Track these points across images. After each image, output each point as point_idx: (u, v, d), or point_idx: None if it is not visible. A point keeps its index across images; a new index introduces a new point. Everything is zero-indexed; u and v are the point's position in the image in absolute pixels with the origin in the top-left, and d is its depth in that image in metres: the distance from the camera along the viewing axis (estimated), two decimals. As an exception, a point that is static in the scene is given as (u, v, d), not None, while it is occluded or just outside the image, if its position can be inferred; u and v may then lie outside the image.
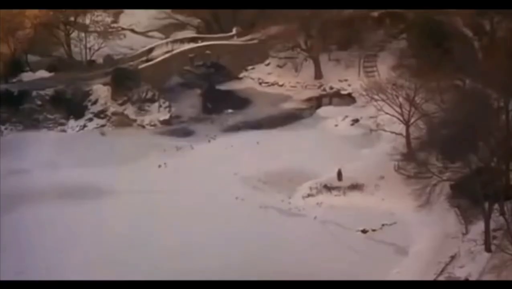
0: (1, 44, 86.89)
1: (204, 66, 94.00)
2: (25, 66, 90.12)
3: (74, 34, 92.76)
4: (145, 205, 65.75)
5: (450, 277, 52.77)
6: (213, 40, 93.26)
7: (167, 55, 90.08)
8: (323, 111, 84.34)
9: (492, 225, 54.66)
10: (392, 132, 69.45)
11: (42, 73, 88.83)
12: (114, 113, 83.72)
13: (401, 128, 68.63)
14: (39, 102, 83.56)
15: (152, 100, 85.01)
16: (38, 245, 59.96)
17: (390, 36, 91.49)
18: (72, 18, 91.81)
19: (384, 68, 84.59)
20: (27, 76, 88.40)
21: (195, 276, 52.87)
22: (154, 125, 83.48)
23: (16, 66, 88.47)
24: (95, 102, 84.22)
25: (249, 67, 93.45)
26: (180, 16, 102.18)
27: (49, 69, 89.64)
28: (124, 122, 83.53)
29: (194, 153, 76.04)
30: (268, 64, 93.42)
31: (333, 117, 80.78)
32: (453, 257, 54.97)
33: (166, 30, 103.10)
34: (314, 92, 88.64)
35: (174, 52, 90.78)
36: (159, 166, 72.84)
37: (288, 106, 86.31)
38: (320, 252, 58.33)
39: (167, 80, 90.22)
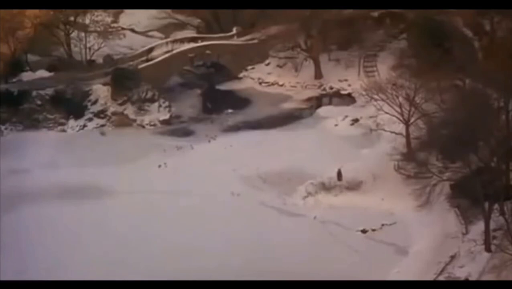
0: (1, 44, 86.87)
1: (204, 66, 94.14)
2: (25, 66, 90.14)
3: (74, 34, 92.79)
4: (145, 205, 65.76)
5: (450, 277, 52.74)
6: (213, 40, 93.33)
7: (167, 55, 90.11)
8: (323, 111, 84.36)
9: (492, 225, 54.64)
10: (392, 132, 69.42)
11: (42, 73, 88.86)
12: (114, 113, 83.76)
13: (401, 128, 68.62)
14: (39, 102, 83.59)
15: (152, 100, 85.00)
16: (38, 245, 59.95)
17: (390, 36, 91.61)
18: (72, 18, 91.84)
19: (384, 68, 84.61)
20: (27, 76, 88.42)
21: (195, 276, 52.84)
22: (154, 125, 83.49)
23: (16, 66, 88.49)
24: (95, 102, 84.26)
25: (249, 67, 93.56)
26: (180, 16, 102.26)
27: (49, 69, 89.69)
28: (124, 122, 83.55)
29: (194, 153, 76.06)
30: (268, 64, 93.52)
31: (333, 117, 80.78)
32: (453, 257, 54.93)
33: (166, 30, 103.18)
34: (314, 92, 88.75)
35: (174, 52, 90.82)
36: (159, 166, 72.85)
37: (288, 106, 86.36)
38: (320, 252, 58.31)
39: (167, 80, 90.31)
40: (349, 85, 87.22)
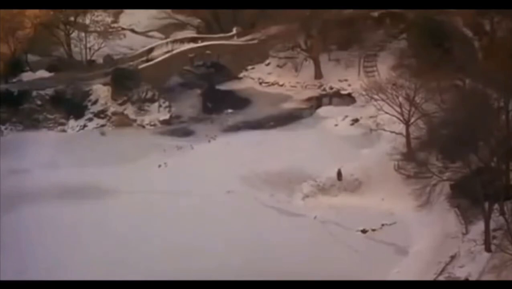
0: (1, 44, 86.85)
1: (204, 66, 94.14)
2: (25, 66, 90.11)
3: (74, 34, 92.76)
4: (145, 205, 65.77)
5: (450, 277, 52.75)
6: (213, 40, 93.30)
7: (167, 55, 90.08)
8: (323, 111, 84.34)
9: (492, 225, 54.64)
10: (392, 132, 69.41)
11: (42, 73, 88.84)
12: (114, 113, 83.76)
13: (401, 128, 68.61)
14: (39, 102, 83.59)
15: (152, 100, 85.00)
16: (38, 245, 59.97)
17: (390, 36, 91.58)
18: (72, 18, 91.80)
19: (384, 68, 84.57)
20: (27, 76, 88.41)
21: (195, 276, 52.86)
22: (154, 125, 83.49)
23: (16, 66, 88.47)
24: (95, 102, 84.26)
25: (249, 67, 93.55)
26: (180, 16, 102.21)
27: (49, 69, 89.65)
28: (124, 122, 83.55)
29: (194, 153, 76.05)
30: (268, 64, 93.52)
31: (333, 117, 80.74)
32: (453, 257, 54.94)
33: (166, 30, 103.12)
34: (314, 92, 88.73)
35: (174, 52, 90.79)
36: (159, 166, 72.86)
37: (288, 106, 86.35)
38: (320, 252, 58.32)
39: (167, 80, 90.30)
40: (349, 85, 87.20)
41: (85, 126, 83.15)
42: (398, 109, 67.64)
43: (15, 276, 54.38)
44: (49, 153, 76.47)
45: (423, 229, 59.85)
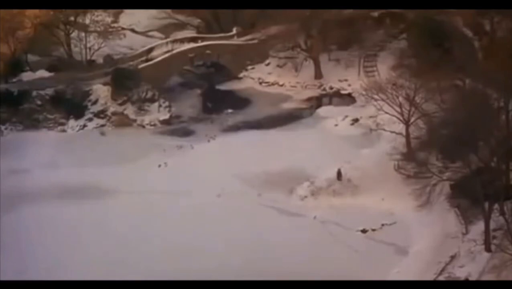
0: (1, 44, 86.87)
1: (204, 66, 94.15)
2: (25, 66, 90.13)
3: (74, 34, 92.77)
4: (145, 205, 65.76)
5: (450, 277, 52.75)
6: (213, 40, 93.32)
7: (167, 55, 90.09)
8: (323, 111, 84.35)
9: (492, 225, 54.64)
10: (392, 132, 69.41)
11: (42, 73, 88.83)
12: (114, 113, 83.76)
13: (401, 127, 68.61)
14: (39, 102, 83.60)
15: (152, 100, 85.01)
16: (38, 245, 59.97)
17: (390, 36, 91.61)
18: (72, 18, 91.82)
19: (384, 68, 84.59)
20: (27, 76, 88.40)
21: (195, 276, 52.86)
22: (154, 125, 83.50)
23: (16, 66, 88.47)
24: (95, 102, 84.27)
25: (249, 67, 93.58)
26: (180, 16, 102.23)
27: (49, 69, 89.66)
28: (124, 122, 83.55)
29: (194, 153, 76.07)
30: (268, 64, 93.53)
31: (333, 117, 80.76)
32: (453, 257, 54.93)
33: (166, 30, 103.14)
34: (314, 92, 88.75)
35: (174, 52, 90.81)
36: (159, 166, 72.86)
37: (288, 106, 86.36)
38: (320, 252, 58.31)
39: (167, 80, 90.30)
40: (349, 85, 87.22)
41: (85, 126, 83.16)
42: (398, 109, 67.65)
43: (15, 276, 54.37)
44: (49, 153, 76.48)
45: (423, 229, 59.84)
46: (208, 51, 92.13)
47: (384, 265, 56.11)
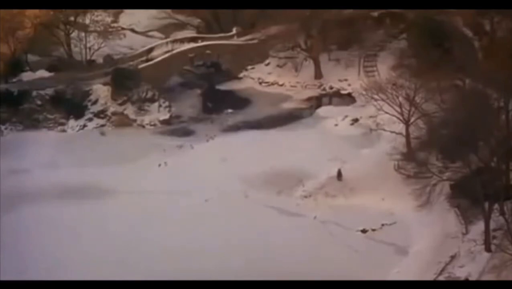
0: (1, 44, 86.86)
1: (204, 66, 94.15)
2: (25, 66, 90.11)
3: (74, 34, 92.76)
4: (145, 205, 65.75)
5: (450, 277, 52.75)
6: (213, 40, 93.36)
7: (167, 55, 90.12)
8: (323, 111, 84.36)
9: (492, 225, 54.64)
10: (392, 132, 69.40)
11: (42, 73, 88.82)
12: (114, 113, 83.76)
13: (401, 127, 68.61)
14: (39, 102, 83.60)
15: (152, 100, 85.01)
16: (38, 245, 59.95)
17: (390, 36, 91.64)
18: (72, 18, 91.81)
19: (384, 68, 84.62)
20: (27, 76, 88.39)
21: (195, 276, 52.85)
22: (154, 125, 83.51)
23: (16, 66, 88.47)
24: (95, 102, 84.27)
25: (249, 67, 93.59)
26: (180, 16, 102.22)
27: (49, 69, 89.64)
28: (124, 122, 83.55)
29: (194, 153, 76.08)
30: (268, 64, 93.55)
31: (333, 117, 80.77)
32: (453, 257, 54.94)
33: (166, 30, 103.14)
34: (314, 92, 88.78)
35: (174, 52, 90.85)
36: (159, 165, 72.86)
37: (288, 106, 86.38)
38: (320, 252, 58.32)
39: (167, 80, 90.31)
40: (349, 85, 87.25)
41: (85, 126, 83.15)
42: (398, 109, 67.66)
43: (15, 276, 54.31)
44: (49, 153, 76.47)
45: (423, 229, 59.84)
46: (208, 51, 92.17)
47: (384, 265, 56.12)
